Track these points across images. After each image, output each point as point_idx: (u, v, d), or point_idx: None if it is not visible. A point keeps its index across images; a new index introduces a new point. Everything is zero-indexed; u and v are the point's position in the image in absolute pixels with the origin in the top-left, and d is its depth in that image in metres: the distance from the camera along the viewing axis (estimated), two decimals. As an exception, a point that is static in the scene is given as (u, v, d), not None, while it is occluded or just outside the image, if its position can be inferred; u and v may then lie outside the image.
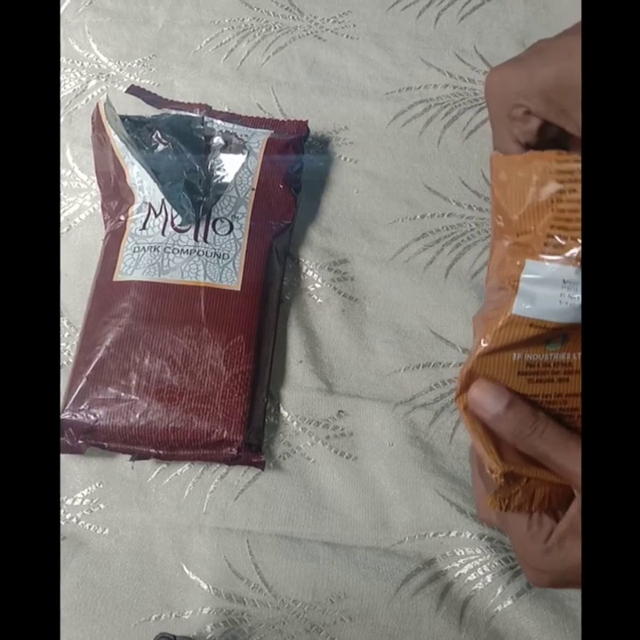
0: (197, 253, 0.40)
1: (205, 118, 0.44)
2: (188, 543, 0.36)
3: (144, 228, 0.40)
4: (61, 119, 0.48)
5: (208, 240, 0.40)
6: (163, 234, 0.40)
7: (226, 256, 0.40)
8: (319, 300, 0.42)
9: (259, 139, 0.43)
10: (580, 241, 0.24)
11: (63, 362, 0.40)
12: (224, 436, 0.36)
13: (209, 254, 0.40)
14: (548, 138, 0.26)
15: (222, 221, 0.41)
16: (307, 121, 0.46)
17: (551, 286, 0.24)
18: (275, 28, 0.51)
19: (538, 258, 0.24)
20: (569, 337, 0.26)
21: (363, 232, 0.44)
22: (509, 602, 0.35)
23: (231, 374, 0.37)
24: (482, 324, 0.26)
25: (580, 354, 0.26)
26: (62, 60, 0.50)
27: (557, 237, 0.24)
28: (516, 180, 0.25)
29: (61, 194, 0.46)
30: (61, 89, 0.49)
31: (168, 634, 0.33)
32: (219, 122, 0.44)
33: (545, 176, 0.24)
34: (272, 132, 0.44)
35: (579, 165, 0.23)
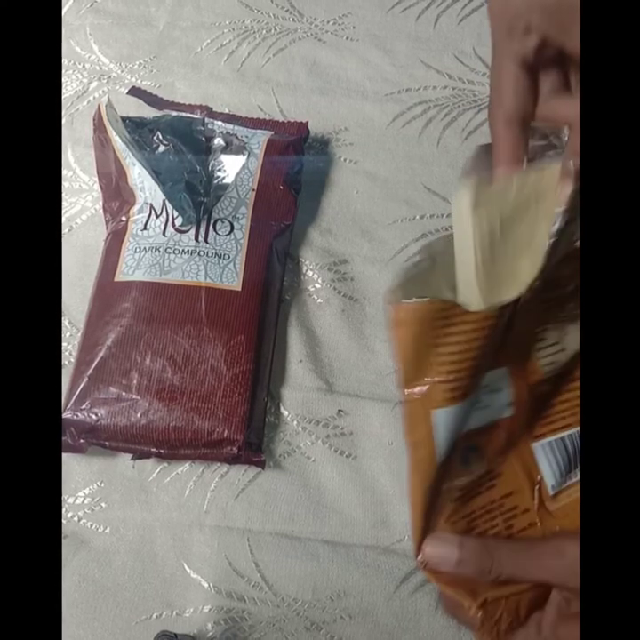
0: (198, 254, 0.40)
1: (206, 119, 0.45)
2: (188, 542, 0.37)
3: (145, 228, 0.41)
4: (63, 120, 0.48)
5: (209, 240, 0.40)
6: (164, 234, 0.40)
7: (226, 256, 0.40)
8: (319, 300, 0.42)
9: (259, 140, 0.43)
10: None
11: (65, 361, 0.40)
12: (225, 435, 0.36)
13: (210, 254, 0.40)
14: (546, 57, 0.26)
15: (223, 222, 0.41)
16: (307, 122, 0.46)
17: (460, 419, 0.25)
18: (275, 29, 0.51)
19: (441, 405, 0.24)
20: (478, 447, 0.26)
21: (362, 232, 0.44)
22: (508, 600, 0.35)
23: (232, 374, 0.37)
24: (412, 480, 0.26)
25: (493, 457, 0.27)
26: (64, 61, 0.50)
27: (452, 380, 0.24)
28: (404, 330, 0.24)
29: (63, 195, 0.46)
30: (63, 90, 0.49)
31: (169, 632, 0.33)
32: (219, 123, 0.44)
33: (428, 323, 0.24)
34: (272, 133, 0.44)
35: (456, 308, 0.23)
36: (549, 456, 0.28)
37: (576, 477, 0.28)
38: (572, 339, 0.28)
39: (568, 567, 0.24)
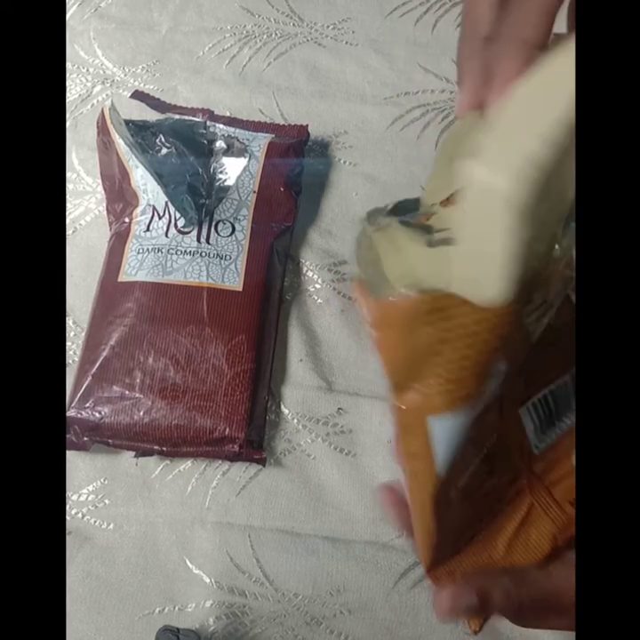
0: (200, 254, 0.40)
1: (208, 122, 0.45)
2: (190, 538, 0.37)
3: (148, 229, 0.41)
4: (67, 123, 0.49)
5: (210, 242, 0.41)
6: (166, 235, 0.41)
7: (228, 257, 0.41)
8: (319, 301, 0.43)
9: (260, 142, 0.44)
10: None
11: (69, 360, 0.41)
12: (226, 433, 0.37)
13: (211, 255, 0.40)
14: None
15: (224, 223, 0.41)
16: (307, 125, 0.46)
17: (464, 426, 0.21)
18: (276, 34, 0.52)
19: (438, 413, 0.21)
20: (472, 437, 0.23)
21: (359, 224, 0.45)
22: (505, 595, 0.35)
23: (233, 373, 0.38)
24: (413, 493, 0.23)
25: (484, 441, 0.25)
26: (68, 65, 0.51)
27: (450, 381, 0.20)
28: (391, 332, 0.21)
29: (67, 197, 0.46)
30: (67, 94, 0.50)
31: (171, 626, 0.34)
32: (221, 126, 0.45)
33: (415, 320, 0.20)
34: (273, 136, 0.45)
35: (452, 299, 0.20)
36: (533, 415, 0.26)
37: (560, 431, 0.26)
38: (554, 289, 0.24)
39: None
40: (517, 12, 0.20)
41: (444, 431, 0.21)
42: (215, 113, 0.48)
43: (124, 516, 0.38)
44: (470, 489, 0.25)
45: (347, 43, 0.51)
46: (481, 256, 0.19)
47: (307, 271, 0.44)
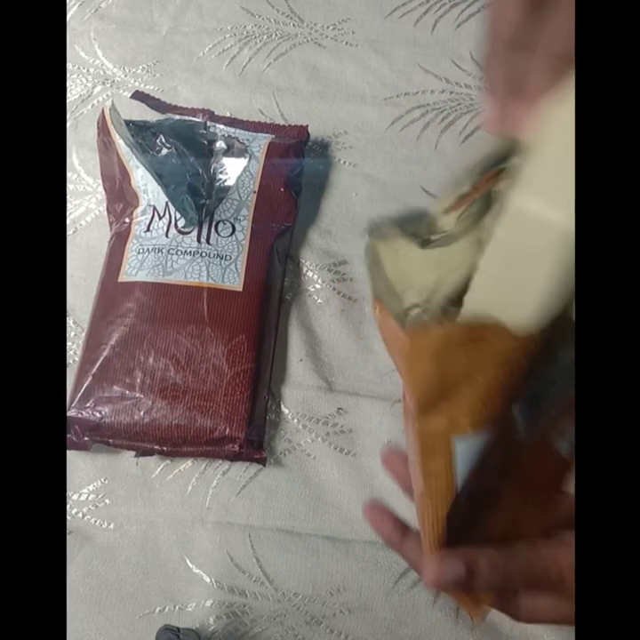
0: (200, 255, 0.40)
1: (208, 123, 0.45)
2: (191, 537, 0.37)
3: (148, 230, 0.41)
4: (68, 124, 0.49)
5: (211, 242, 0.41)
6: (166, 236, 0.41)
7: (228, 257, 0.41)
8: (319, 301, 0.43)
9: (260, 143, 0.44)
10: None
11: (69, 360, 0.41)
12: (226, 432, 0.37)
13: (211, 256, 0.40)
14: None
15: (224, 223, 0.42)
16: (307, 126, 0.46)
17: (486, 445, 0.22)
18: (276, 34, 0.52)
19: (463, 433, 0.21)
20: None
21: (362, 234, 0.45)
22: (505, 594, 0.35)
23: (233, 373, 0.38)
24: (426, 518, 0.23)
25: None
26: (68, 66, 0.51)
27: (478, 405, 0.21)
28: (415, 356, 0.22)
29: (68, 197, 0.46)
30: (68, 94, 0.50)
31: (172, 626, 0.34)
32: (221, 126, 0.45)
33: (447, 349, 0.21)
34: (273, 136, 0.45)
35: (485, 329, 0.20)
36: (524, 411, 0.25)
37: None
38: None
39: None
40: (557, 25, 0.20)
41: (466, 450, 0.22)
42: (215, 113, 0.48)
43: (125, 515, 0.38)
44: (484, 506, 0.24)
45: (347, 43, 0.51)
46: (519, 283, 0.20)
47: (307, 271, 0.44)
